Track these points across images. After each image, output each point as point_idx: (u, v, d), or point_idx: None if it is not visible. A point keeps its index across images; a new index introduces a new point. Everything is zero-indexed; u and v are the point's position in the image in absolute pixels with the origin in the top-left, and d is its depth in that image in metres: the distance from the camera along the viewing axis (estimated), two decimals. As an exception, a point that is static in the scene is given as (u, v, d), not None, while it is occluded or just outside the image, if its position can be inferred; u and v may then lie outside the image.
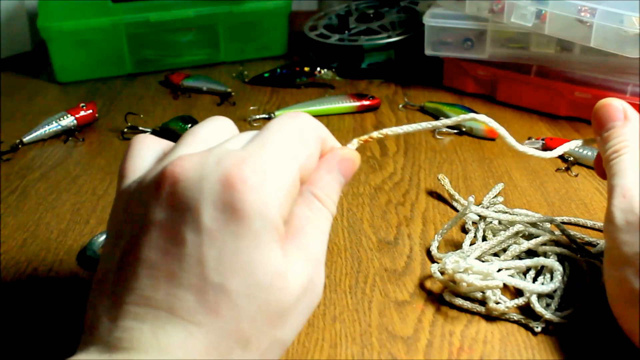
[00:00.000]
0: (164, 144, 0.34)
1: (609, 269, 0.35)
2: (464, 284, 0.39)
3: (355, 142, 0.37)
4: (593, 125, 0.40)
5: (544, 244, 0.43)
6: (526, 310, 0.40)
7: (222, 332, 0.27)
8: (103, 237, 0.47)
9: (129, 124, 0.67)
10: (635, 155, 0.37)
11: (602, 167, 0.39)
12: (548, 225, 0.46)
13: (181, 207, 0.28)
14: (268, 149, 0.29)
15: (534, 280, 0.42)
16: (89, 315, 0.29)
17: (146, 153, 0.33)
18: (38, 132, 0.65)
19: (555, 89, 0.67)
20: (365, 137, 0.38)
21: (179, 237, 0.27)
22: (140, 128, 0.67)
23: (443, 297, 0.41)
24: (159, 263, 0.27)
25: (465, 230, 0.48)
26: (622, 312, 0.34)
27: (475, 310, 0.40)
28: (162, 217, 0.28)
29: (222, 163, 0.28)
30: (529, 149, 0.42)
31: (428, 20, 0.72)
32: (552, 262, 0.41)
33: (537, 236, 0.44)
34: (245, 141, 0.31)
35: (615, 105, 0.39)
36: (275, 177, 0.29)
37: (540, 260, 0.42)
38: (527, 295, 0.39)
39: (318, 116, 0.70)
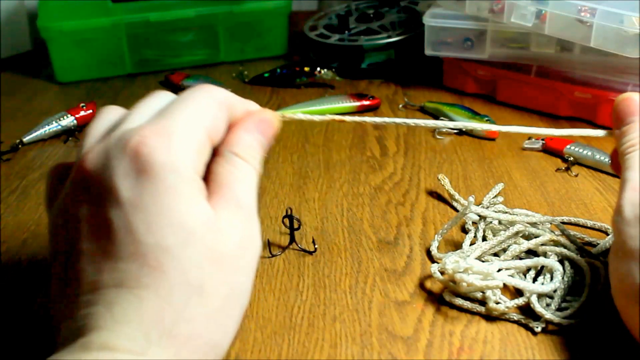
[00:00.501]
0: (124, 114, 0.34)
1: (614, 261, 0.35)
2: (464, 284, 0.39)
3: (279, 114, 0.38)
4: (613, 118, 0.40)
5: (544, 244, 0.43)
6: (526, 310, 0.40)
7: (172, 285, 0.28)
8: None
9: (129, 124, 0.67)
10: None
11: (617, 161, 0.38)
12: (548, 225, 0.46)
13: (98, 193, 0.29)
14: (168, 116, 0.31)
15: (534, 280, 0.42)
16: (54, 324, 0.30)
17: (101, 126, 0.33)
18: (38, 132, 0.65)
19: (555, 89, 0.67)
20: (290, 114, 0.39)
21: (106, 218, 0.28)
22: (140, 128, 0.67)
23: (443, 297, 0.41)
24: (96, 249, 0.28)
25: (465, 230, 0.48)
26: (624, 307, 0.34)
27: (475, 310, 0.40)
28: (84, 211, 0.29)
29: (123, 139, 0.29)
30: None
31: (428, 20, 0.72)
32: (552, 262, 0.41)
33: (537, 236, 0.44)
34: (149, 116, 0.32)
35: (635, 100, 0.39)
36: (178, 136, 0.30)
37: (540, 260, 0.42)
38: (527, 295, 0.39)
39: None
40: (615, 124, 0.40)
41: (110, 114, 0.34)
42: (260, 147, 0.35)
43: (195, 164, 0.30)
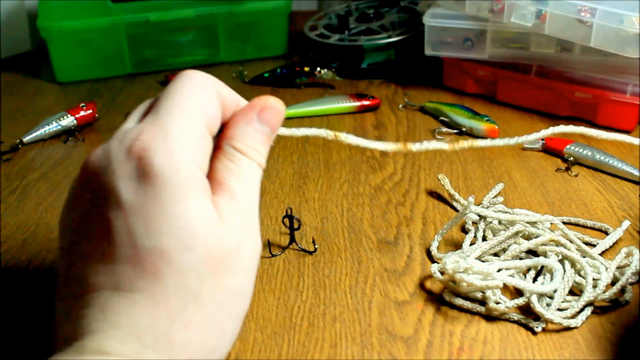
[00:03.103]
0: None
1: None
2: (464, 284, 0.39)
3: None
4: None
5: (544, 244, 0.43)
6: (526, 310, 0.40)
7: (168, 291, 0.27)
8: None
9: (129, 124, 0.67)
10: None
11: None
12: (548, 225, 0.46)
13: (100, 194, 0.29)
14: (162, 113, 0.30)
15: (534, 280, 0.42)
16: (54, 324, 0.30)
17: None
18: (38, 132, 0.65)
19: (555, 89, 0.67)
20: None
21: (105, 221, 0.28)
22: (140, 128, 0.67)
23: (443, 297, 0.41)
24: (94, 251, 0.28)
25: (465, 230, 0.48)
26: None
27: (475, 310, 0.40)
28: (86, 211, 0.29)
29: (123, 141, 0.29)
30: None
31: (428, 20, 0.72)
32: (552, 262, 0.41)
33: (537, 236, 0.44)
34: (143, 114, 0.32)
35: None
36: (177, 134, 0.29)
37: (540, 260, 0.42)
38: (527, 295, 0.39)
39: (318, 116, 0.70)
40: None
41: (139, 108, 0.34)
42: (265, 140, 0.33)
43: (197, 160, 0.29)
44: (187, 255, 0.28)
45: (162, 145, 0.28)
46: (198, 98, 0.31)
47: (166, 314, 0.27)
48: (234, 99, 0.34)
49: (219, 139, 0.32)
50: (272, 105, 0.33)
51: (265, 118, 0.33)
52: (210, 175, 0.31)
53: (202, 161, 0.30)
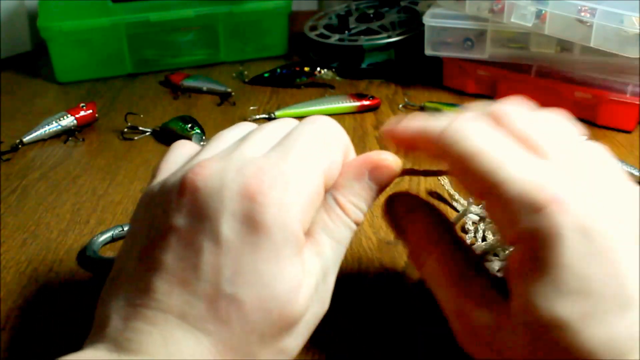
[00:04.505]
0: (198, 149, 0.33)
1: None
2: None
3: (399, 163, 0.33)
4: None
5: (544, 244, 0.43)
6: (526, 310, 0.40)
7: (231, 343, 0.27)
8: (103, 237, 0.47)
9: (129, 124, 0.67)
10: None
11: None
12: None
13: (200, 215, 0.27)
14: (290, 157, 0.29)
15: (534, 280, 0.42)
16: (99, 311, 0.29)
17: (178, 158, 0.33)
18: (38, 132, 0.65)
19: (555, 89, 0.67)
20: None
21: (197, 245, 0.27)
22: (140, 128, 0.67)
23: (443, 297, 0.41)
24: (175, 269, 0.27)
25: (465, 231, 0.48)
26: None
27: (475, 310, 0.40)
28: (181, 224, 0.28)
29: (242, 172, 0.28)
30: None
31: (428, 20, 0.72)
32: (552, 262, 0.41)
33: (537, 236, 0.44)
34: (268, 146, 0.30)
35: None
36: (296, 187, 0.28)
37: (540, 261, 0.42)
38: (527, 295, 0.39)
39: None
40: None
41: (242, 127, 0.33)
42: (369, 196, 0.31)
43: (305, 221, 0.28)
44: (260, 315, 0.27)
45: (278, 195, 0.27)
46: (329, 153, 0.30)
47: None
48: (350, 147, 0.32)
49: None
50: (387, 164, 0.32)
51: (377, 176, 0.31)
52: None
53: (309, 220, 0.29)
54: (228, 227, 0.27)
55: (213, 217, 0.27)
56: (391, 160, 0.32)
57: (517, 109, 0.30)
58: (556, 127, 0.30)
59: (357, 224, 0.31)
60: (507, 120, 0.29)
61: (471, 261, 0.30)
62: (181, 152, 0.33)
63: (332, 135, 0.31)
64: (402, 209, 0.33)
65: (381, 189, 0.32)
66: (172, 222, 0.28)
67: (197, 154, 0.32)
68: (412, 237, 0.32)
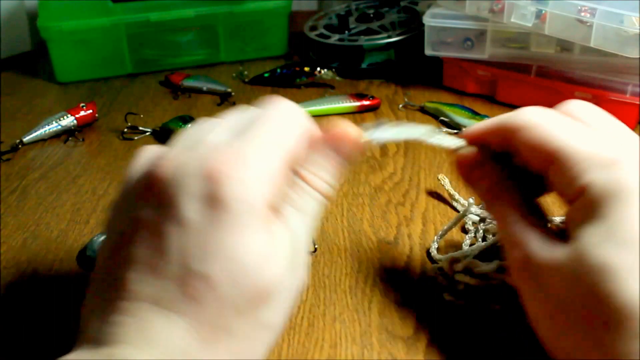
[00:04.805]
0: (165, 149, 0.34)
1: None
2: (464, 284, 0.39)
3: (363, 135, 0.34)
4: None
5: (544, 244, 0.43)
6: (526, 310, 0.40)
7: (206, 319, 0.27)
8: (103, 237, 0.47)
9: (129, 124, 0.67)
10: None
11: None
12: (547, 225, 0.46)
13: (164, 203, 0.28)
14: (251, 140, 0.30)
15: (534, 280, 0.42)
16: (83, 314, 0.30)
17: (144, 161, 0.33)
18: (38, 132, 0.65)
19: (555, 89, 0.67)
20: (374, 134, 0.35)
21: (163, 231, 0.28)
22: (140, 128, 0.67)
23: (443, 297, 0.41)
24: (145, 258, 0.28)
25: (465, 231, 0.48)
26: None
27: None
28: (148, 215, 0.28)
29: (203, 158, 0.29)
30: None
31: (428, 20, 0.72)
32: (552, 262, 0.41)
33: (537, 236, 0.44)
34: (233, 133, 0.31)
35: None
36: (256, 165, 0.29)
37: (540, 261, 0.42)
38: (527, 295, 0.39)
39: (318, 116, 0.70)
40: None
41: (204, 124, 0.33)
42: (333, 168, 0.32)
43: (269, 197, 0.29)
44: (231, 288, 0.27)
45: (238, 173, 0.28)
46: (287, 133, 0.31)
47: (199, 340, 0.27)
48: (313, 127, 0.33)
49: None
50: (345, 134, 0.33)
51: (338, 146, 0.32)
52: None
53: (274, 196, 0.29)
54: (190, 208, 0.28)
55: (175, 202, 0.28)
56: (350, 130, 0.33)
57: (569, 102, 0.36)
58: (602, 114, 0.34)
59: (325, 195, 0.32)
60: (566, 108, 0.35)
61: (537, 207, 0.34)
62: (146, 156, 0.33)
63: (292, 117, 0.32)
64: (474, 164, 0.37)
65: (346, 158, 0.33)
66: (139, 216, 0.29)
67: (162, 152, 0.32)
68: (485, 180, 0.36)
